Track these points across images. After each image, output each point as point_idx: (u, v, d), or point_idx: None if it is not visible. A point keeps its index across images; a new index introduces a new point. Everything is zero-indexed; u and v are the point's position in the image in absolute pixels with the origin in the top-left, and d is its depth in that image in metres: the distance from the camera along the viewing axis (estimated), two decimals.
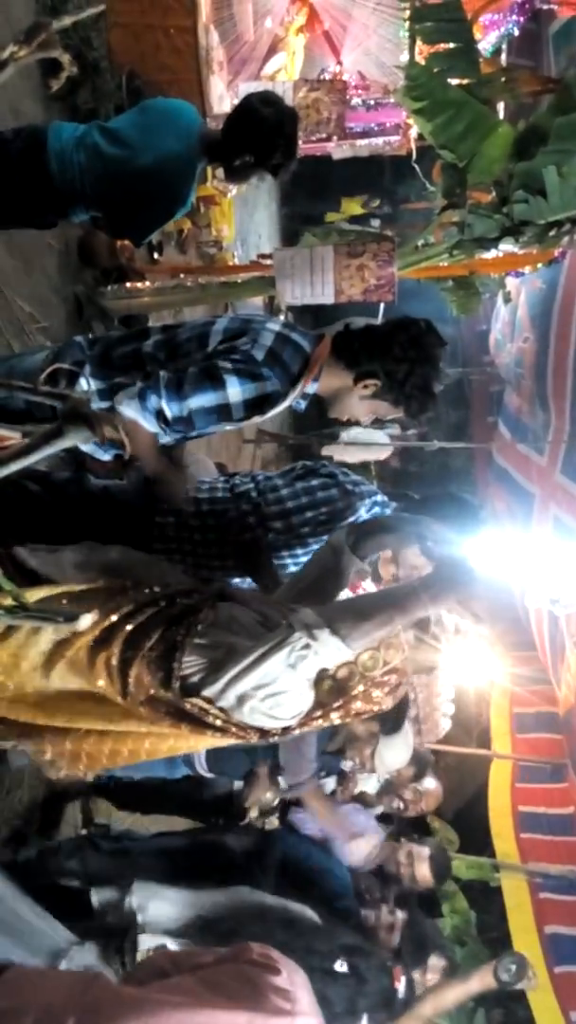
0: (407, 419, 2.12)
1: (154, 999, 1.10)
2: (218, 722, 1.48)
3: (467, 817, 5.73)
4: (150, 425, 1.86)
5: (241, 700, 1.44)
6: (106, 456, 2.08)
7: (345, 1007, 2.12)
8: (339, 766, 2.87)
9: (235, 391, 1.87)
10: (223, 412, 1.90)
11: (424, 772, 3.08)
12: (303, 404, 2.04)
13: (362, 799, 3.10)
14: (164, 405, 1.85)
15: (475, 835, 5.28)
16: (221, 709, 1.47)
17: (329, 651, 1.45)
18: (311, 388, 2.00)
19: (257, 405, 1.91)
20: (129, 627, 1.52)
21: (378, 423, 2.18)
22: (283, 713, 1.48)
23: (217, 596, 1.68)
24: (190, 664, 1.49)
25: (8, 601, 1.07)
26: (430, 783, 3.14)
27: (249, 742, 1.55)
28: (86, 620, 1.12)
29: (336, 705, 1.51)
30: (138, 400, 1.82)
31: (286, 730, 1.53)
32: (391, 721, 2.52)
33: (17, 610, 1.09)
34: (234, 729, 1.49)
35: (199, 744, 1.67)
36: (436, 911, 4.59)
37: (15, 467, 1.13)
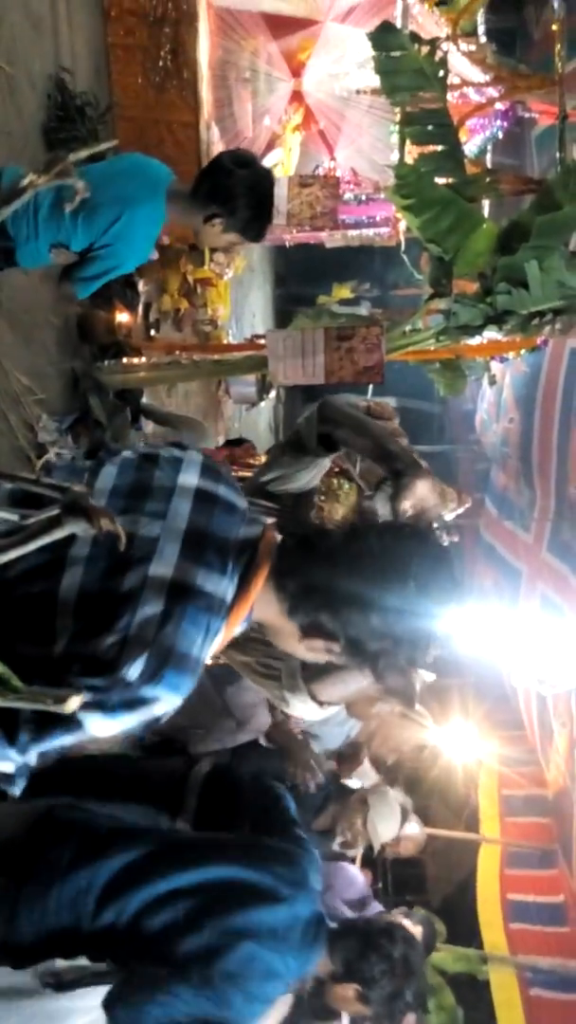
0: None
1: None
2: None
3: (455, 905, 5.55)
4: None
5: None
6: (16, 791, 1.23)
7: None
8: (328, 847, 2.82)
9: (99, 725, 1.16)
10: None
11: (404, 817, 3.03)
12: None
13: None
14: None
15: (463, 925, 5.10)
16: None
17: (313, 713, 1.52)
18: (240, 629, 1.33)
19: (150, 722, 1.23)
20: None
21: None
22: None
23: None
24: None
25: None
26: (412, 828, 3.08)
27: None
28: (74, 702, 1.10)
29: None
30: None
31: None
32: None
33: (6, 692, 1.08)
34: None
35: None
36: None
37: (12, 555, 1.15)
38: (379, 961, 1.95)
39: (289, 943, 1.78)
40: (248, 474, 3.02)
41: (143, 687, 1.13)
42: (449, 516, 3.06)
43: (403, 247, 6.19)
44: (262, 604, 1.29)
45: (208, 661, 1.24)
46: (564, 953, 4.48)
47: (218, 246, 2.56)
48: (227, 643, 1.29)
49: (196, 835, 2.09)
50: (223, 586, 1.23)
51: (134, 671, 1.12)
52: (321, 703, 1.48)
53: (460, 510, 3.09)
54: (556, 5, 5.44)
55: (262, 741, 2.65)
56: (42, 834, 1.76)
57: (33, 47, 4.02)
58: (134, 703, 1.15)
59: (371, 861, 3.16)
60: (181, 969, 1.70)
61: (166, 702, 1.17)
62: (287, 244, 6.83)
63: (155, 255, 4.98)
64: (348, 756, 2.95)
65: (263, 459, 3.20)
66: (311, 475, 1.72)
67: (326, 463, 1.77)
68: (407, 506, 1.40)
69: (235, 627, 1.27)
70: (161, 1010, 1.70)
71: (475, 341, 3.78)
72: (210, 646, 1.22)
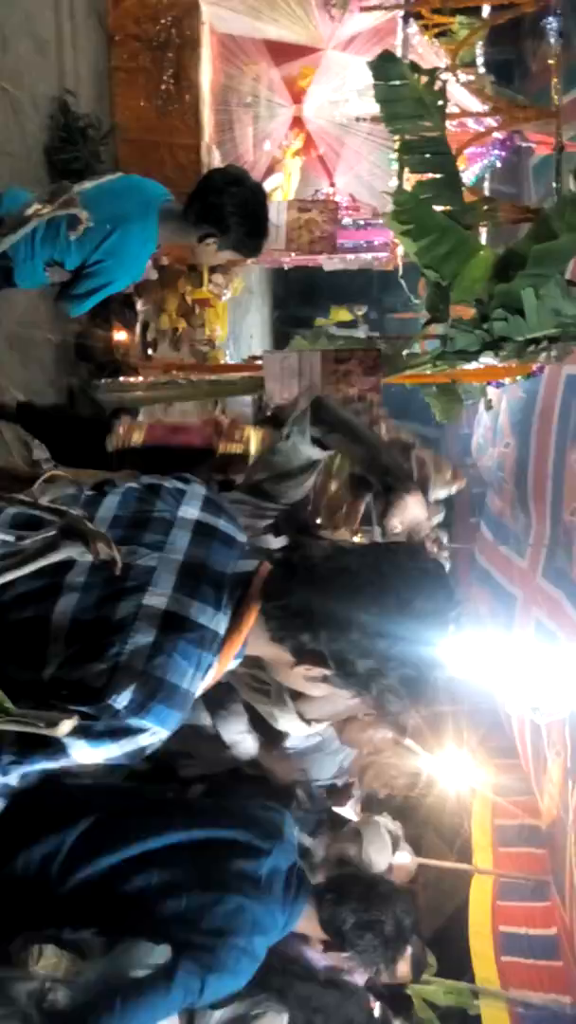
0: None
1: None
2: None
3: (446, 937, 5.43)
4: None
5: None
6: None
7: (325, 1017, 2.09)
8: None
9: (83, 752, 1.13)
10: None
11: (395, 845, 2.97)
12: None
13: None
14: None
15: (454, 957, 4.99)
16: None
17: (300, 729, 1.47)
18: (233, 664, 1.29)
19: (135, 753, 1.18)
20: None
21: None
22: None
23: None
24: None
25: None
26: (403, 857, 3.01)
27: None
28: (66, 726, 1.08)
29: None
30: None
31: None
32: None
33: None
34: None
35: None
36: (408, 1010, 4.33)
37: (8, 577, 1.14)
38: (375, 938, 1.92)
39: (273, 894, 1.73)
40: (236, 450, 2.96)
41: (130, 717, 1.11)
42: (445, 493, 3.01)
43: (401, 272, 6.23)
44: (256, 638, 1.25)
45: (198, 694, 1.22)
46: (556, 988, 4.39)
47: (216, 263, 2.56)
48: (219, 677, 1.27)
49: (167, 799, 2.03)
50: (216, 620, 1.20)
51: (122, 700, 1.11)
52: (308, 721, 1.45)
53: (454, 488, 3.05)
54: (553, 39, 5.53)
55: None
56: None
57: (38, 69, 4.06)
58: (119, 732, 1.12)
59: None
60: (161, 934, 1.63)
61: (153, 734, 1.15)
62: (286, 266, 6.88)
63: (154, 275, 5.00)
64: (340, 788, 2.89)
65: (249, 432, 3.10)
66: (311, 478, 1.69)
67: (322, 460, 1.73)
68: (395, 523, 1.36)
69: (228, 662, 1.24)
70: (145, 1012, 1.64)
71: (472, 366, 3.79)
72: (201, 680, 1.20)
